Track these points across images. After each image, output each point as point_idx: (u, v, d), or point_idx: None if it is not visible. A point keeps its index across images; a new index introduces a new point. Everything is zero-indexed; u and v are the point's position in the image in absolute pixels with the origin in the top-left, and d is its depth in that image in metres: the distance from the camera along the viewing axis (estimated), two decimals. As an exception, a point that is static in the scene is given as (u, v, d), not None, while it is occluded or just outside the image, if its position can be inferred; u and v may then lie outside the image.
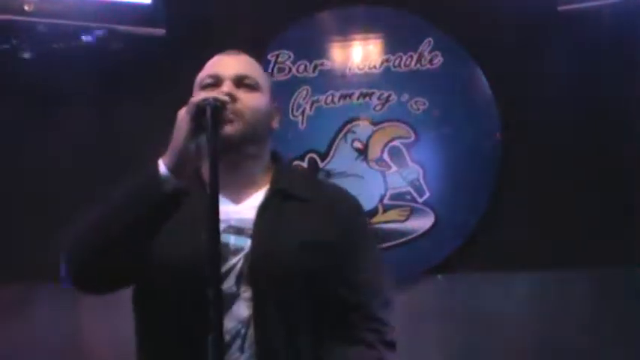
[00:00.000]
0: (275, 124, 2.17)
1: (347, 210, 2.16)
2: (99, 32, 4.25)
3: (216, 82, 2.06)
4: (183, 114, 1.88)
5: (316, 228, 2.04)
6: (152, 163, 1.90)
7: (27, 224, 4.39)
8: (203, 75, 2.11)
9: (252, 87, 2.08)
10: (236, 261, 1.97)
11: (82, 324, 4.44)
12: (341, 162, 4.56)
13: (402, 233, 4.51)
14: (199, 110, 1.85)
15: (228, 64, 2.11)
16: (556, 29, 4.34)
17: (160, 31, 4.33)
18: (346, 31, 4.69)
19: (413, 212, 4.50)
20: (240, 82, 2.06)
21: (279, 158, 2.20)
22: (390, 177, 4.53)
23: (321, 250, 2.01)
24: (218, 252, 1.77)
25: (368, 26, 4.68)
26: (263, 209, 2.03)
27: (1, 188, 4.48)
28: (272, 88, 2.19)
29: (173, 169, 1.86)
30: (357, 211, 2.23)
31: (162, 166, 1.87)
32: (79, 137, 4.49)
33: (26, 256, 4.29)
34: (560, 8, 4.18)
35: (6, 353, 4.27)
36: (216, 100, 1.88)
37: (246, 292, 1.93)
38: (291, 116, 4.59)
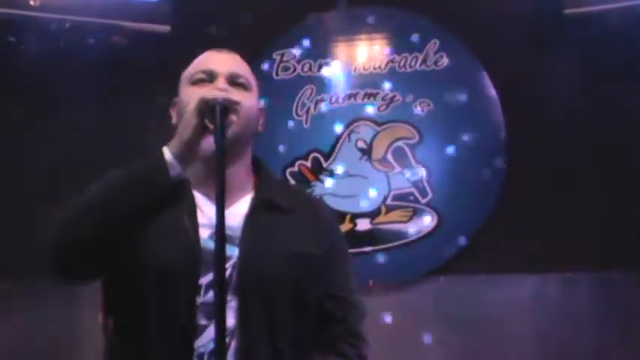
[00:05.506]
0: (261, 127, 2.11)
1: (330, 224, 2.16)
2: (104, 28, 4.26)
3: (210, 78, 2.01)
4: (192, 108, 1.84)
5: (302, 240, 2.02)
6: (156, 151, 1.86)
7: (30, 223, 4.37)
8: (194, 70, 2.05)
9: (245, 86, 2.04)
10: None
11: (76, 320, 4.44)
12: (345, 162, 4.55)
13: (405, 234, 4.50)
14: (207, 107, 1.82)
15: (221, 61, 2.06)
16: (562, 32, 4.34)
17: (165, 28, 4.34)
18: (352, 31, 4.69)
19: (416, 213, 4.50)
20: (233, 80, 2.02)
21: (262, 164, 2.15)
22: (393, 177, 4.52)
23: (307, 262, 1.99)
24: (224, 253, 1.76)
25: (374, 26, 4.67)
26: (250, 218, 2.00)
27: (3, 185, 4.47)
28: (259, 89, 2.13)
29: (179, 156, 1.82)
30: (338, 227, 2.24)
31: (167, 153, 1.82)
32: (81, 134, 4.48)
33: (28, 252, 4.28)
34: (566, 11, 4.18)
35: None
36: (225, 99, 1.86)
37: (232, 302, 1.89)
38: (295, 115, 4.59)
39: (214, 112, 1.82)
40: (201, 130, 1.83)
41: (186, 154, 1.84)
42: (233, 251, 1.94)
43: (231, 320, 1.87)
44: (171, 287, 1.90)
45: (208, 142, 1.84)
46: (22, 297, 4.39)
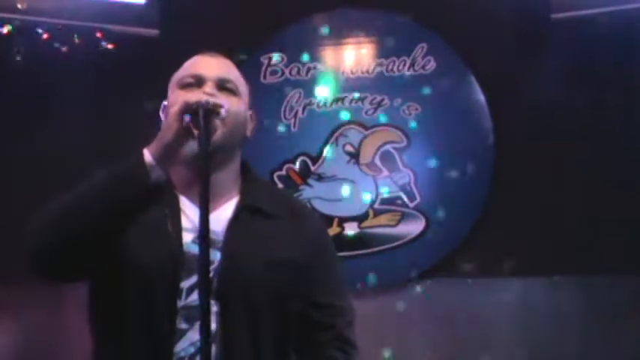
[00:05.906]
0: (249, 133, 2.09)
1: (316, 231, 2.13)
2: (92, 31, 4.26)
3: (198, 82, 1.99)
4: (175, 111, 1.84)
5: (286, 247, 2.01)
6: (136, 153, 1.85)
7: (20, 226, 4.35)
8: (183, 74, 2.04)
9: (233, 92, 2.01)
10: None
11: (72, 322, 4.43)
12: (332, 165, 4.56)
13: (393, 238, 4.51)
14: (190, 111, 1.81)
15: (210, 66, 2.04)
16: (549, 36, 4.35)
17: (153, 32, 4.33)
18: (340, 34, 4.69)
19: (404, 217, 4.50)
20: (221, 85, 2.00)
21: (249, 169, 2.12)
22: (381, 181, 4.53)
23: (290, 269, 1.98)
24: (208, 258, 1.76)
25: (362, 30, 4.69)
26: (233, 224, 1.99)
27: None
28: (249, 95, 2.10)
29: (159, 159, 1.81)
30: (325, 231, 2.24)
31: (147, 155, 1.82)
32: (70, 136, 4.47)
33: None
34: (554, 16, 4.20)
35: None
36: (208, 103, 1.85)
37: (213, 306, 1.86)
38: (283, 119, 4.59)
39: (198, 116, 1.81)
40: (183, 134, 1.82)
41: (166, 157, 1.83)
42: (215, 256, 1.93)
43: (212, 325, 1.86)
44: (152, 290, 1.90)
45: (191, 146, 1.83)
46: (18, 298, 4.38)
